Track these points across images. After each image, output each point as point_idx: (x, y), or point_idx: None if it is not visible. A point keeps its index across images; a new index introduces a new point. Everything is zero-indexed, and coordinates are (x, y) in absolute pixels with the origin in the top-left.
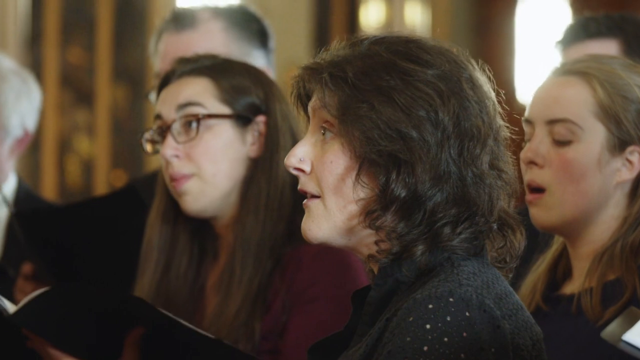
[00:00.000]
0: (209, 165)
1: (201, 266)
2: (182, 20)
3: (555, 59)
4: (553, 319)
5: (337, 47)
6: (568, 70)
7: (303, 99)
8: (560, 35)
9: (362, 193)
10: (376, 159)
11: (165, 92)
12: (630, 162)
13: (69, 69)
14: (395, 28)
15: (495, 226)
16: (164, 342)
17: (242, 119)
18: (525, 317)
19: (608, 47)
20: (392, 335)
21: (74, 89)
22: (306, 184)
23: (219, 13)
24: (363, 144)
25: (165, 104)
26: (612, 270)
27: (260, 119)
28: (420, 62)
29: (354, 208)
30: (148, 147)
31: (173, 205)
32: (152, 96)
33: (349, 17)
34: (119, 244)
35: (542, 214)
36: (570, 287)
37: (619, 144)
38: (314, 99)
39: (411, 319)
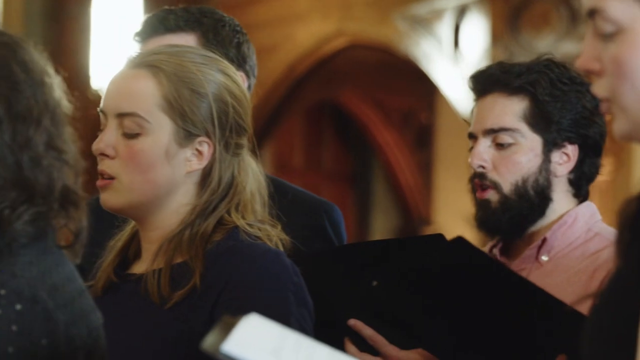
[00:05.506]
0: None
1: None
2: None
3: (133, 50)
4: (122, 297)
5: None
6: (139, 63)
7: None
8: (138, 28)
9: None
10: None
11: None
12: (200, 152)
13: None
14: None
15: (56, 206)
16: None
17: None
18: (84, 305)
19: (187, 41)
20: None
21: None
22: None
23: None
24: None
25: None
26: (180, 254)
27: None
28: None
29: None
30: None
31: None
32: None
33: None
34: None
35: (110, 197)
36: (139, 268)
37: (187, 136)
38: None
39: None
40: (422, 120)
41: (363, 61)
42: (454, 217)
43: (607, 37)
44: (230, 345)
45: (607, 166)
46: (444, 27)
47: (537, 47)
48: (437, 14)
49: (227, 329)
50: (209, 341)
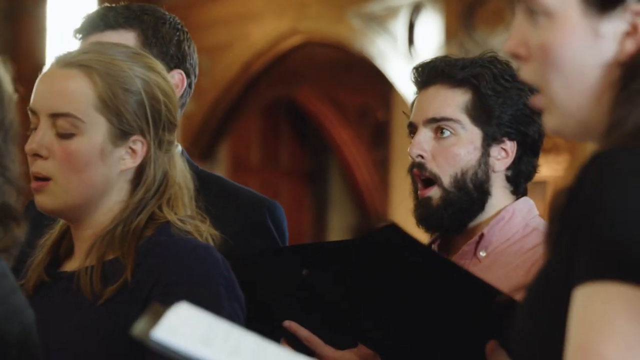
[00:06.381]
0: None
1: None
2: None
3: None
4: (54, 295)
5: None
6: (70, 63)
7: None
8: (78, 25)
9: None
10: None
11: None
12: (133, 150)
13: None
14: None
15: None
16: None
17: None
18: (17, 302)
19: (126, 39)
20: None
21: None
22: None
23: None
24: None
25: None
26: (112, 251)
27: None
28: None
29: None
30: None
31: None
32: None
33: None
34: None
35: (46, 199)
36: (71, 265)
37: (121, 135)
38: None
39: None
40: (379, 118)
41: (319, 59)
42: (410, 215)
43: (535, 22)
44: (160, 332)
45: (562, 163)
46: (399, 25)
47: (491, 44)
48: (392, 12)
49: (157, 317)
50: (139, 327)
